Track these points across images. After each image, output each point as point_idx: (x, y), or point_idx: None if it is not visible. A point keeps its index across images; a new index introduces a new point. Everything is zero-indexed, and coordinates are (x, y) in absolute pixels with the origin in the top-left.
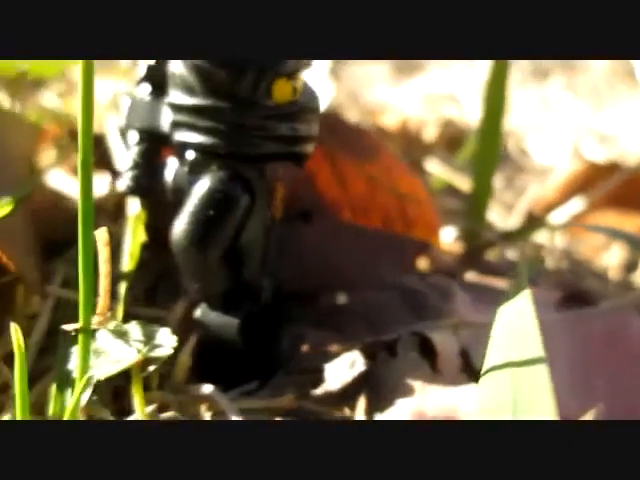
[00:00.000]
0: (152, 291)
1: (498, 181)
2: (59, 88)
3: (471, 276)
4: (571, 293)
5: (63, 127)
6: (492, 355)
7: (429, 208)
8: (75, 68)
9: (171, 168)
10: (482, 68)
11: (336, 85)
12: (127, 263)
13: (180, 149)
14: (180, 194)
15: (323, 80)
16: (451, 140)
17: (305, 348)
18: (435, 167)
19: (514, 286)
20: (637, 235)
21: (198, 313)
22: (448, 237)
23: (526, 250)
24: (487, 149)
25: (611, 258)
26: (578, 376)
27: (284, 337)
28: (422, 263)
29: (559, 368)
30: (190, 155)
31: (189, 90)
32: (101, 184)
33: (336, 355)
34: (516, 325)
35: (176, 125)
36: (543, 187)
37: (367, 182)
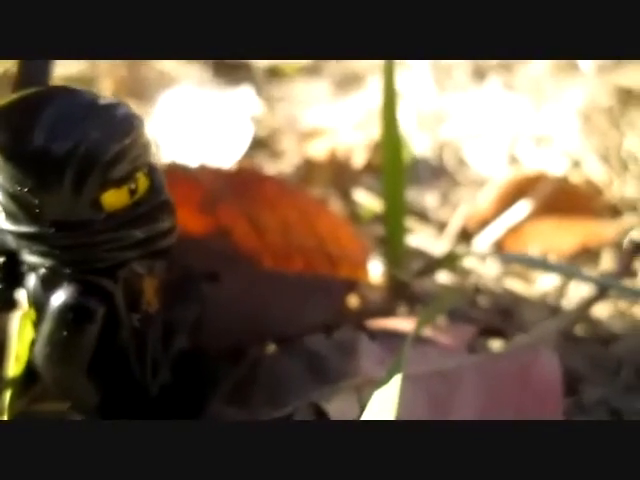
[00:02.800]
0: None
1: (432, 198)
2: None
3: (400, 313)
4: (486, 328)
5: None
6: None
7: (352, 244)
8: None
9: (30, 282)
10: (421, 75)
11: (270, 107)
12: (13, 366)
13: (31, 266)
14: (39, 308)
15: (249, 114)
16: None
17: None
18: (363, 196)
19: (392, 367)
20: (556, 263)
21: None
22: (377, 270)
23: (454, 276)
24: (391, 169)
25: (545, 278)
26: (486, 414)
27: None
28: (352, 301)
29: (466, 407)
30: (41, 271)
31: (12, 217)
32: None
33: None
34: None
35: (18, 246)
36: (476, 202)
37: (284, 230)
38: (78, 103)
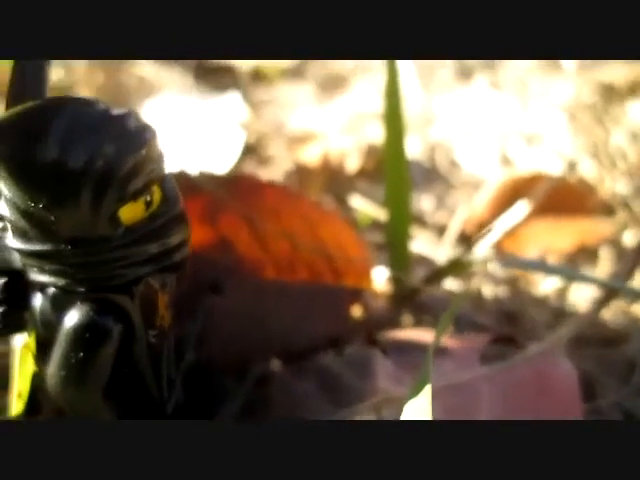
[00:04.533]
0: None
1: (428, 201)
2: None
3: (405, 322)
4: (499, 336)
5: None
6: None
7: (357, 251)
8: None
9: (37, 303)
10: (407, 77)
11: (255, 112)
12: (14, 404)
13: (39, 285)
14: (50, 329)
15: (237, 120)
16: (378, 168)
17: None
18: (359, 202)
19: (418, 382)
20: (552, 265)
21: None
22: (380, 277)
23: (457, 281)
24: (395, 180)
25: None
26: None
27: None
28: (356, 310)
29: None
30: (50, 291)
31: (23, 235)
32: None
33: None
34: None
35: (25, 265)
36: (472, 205)
37: (287, 238)
38: (90, 114)
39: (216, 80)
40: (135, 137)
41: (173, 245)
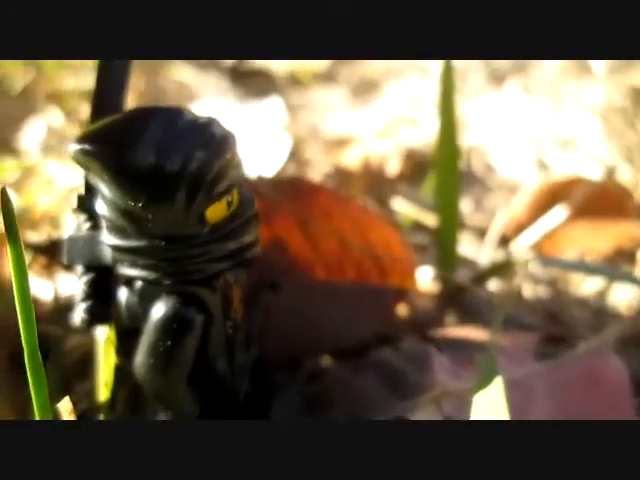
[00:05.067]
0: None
1: (466, 204)
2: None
3: (450, 321)
4: (549, 335)
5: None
6: None
7: (402, 253)
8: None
9: (122, 296)
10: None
11: (292, 116)
12: (101, 392)
13: (126, 279)
14: (136, 320)
15: (279, 124)
16: (415, 171)
17: None
18: (401, 204)
19: (485, 368)
20: (593, 265)
21: None
22: (424, 277)
23: (502, 283)
24: (446, 182)
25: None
26: (559, 418)
27: None
28: (401, 309)
29: (540, 414)
30: (137, 285)
31: (121, 232)
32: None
33: None
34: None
35: (116, 261)
36: (511, 207)
37: (338, 240)
38: (179, 121)
39: (251, 84)
40: (221, 143)
41: (248, 243)
